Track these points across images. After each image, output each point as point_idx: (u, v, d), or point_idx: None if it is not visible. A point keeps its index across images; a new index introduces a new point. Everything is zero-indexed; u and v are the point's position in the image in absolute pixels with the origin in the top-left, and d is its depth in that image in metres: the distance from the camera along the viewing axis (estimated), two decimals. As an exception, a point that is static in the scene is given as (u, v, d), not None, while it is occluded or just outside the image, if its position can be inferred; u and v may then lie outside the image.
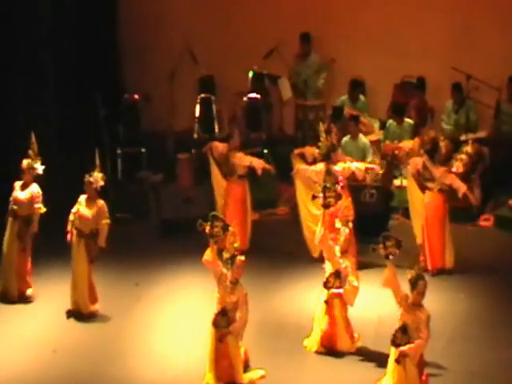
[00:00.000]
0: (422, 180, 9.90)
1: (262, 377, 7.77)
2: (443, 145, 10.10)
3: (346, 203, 8.92)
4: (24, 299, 9.36)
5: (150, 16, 13.42)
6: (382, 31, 12.83)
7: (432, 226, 9.77)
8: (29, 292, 9.41)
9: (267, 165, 10.52)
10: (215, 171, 10.59)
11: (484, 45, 12.38)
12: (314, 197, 8.65)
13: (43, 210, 9.30)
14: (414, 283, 7.14)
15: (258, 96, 12.61)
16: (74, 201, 9.12)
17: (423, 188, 9.93)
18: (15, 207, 9.28)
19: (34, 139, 9.27)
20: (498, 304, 9.12)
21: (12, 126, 11.24)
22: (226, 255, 7.64)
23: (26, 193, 9.28)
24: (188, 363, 8.03)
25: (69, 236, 9.10)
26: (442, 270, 9.76)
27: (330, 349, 8.22)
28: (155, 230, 11.11)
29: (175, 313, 9.10)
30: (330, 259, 8.20)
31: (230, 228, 7.65)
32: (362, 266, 9.51)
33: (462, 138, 11.67)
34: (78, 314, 8.99)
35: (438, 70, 12.38)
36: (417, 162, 10.00)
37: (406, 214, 10.54)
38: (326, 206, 8.44)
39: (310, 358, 8.22)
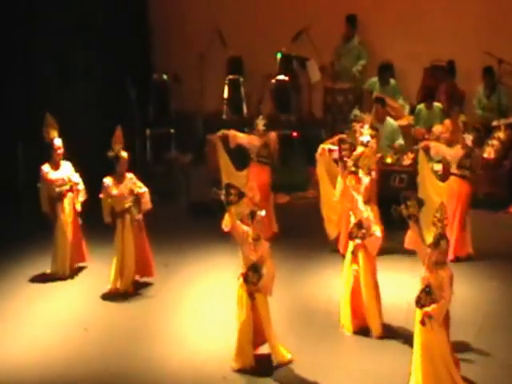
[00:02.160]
0: (459, 169, 9.51)
1: (290, 361, 7.68)
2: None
3: (366, 151, 8.77)
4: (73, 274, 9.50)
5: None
6: (412, 14, 12.64)
7: (463, 212, 9.56)
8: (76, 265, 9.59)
9: None
10: (226, 162, 10.32)
11: (517, 28, 12.16)
12: (330, 150, 8.66)
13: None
14: (436, 243, 7.04)
15: (287, 78, 12.49)
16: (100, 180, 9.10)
17: (446, 176, 9.66)
18: (58, 189, 9.31)
19: (50, 118, 9.25)
20: (531, 292, 8.99)
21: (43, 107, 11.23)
22: (246, 211, 7.58)
23: (64, 171, 9.35)
24: (218, 345, 7.97)
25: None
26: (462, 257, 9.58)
27: (361, 324, 8.15)
28: (184, 212, 11.15)
29: (204, 294, 9.09)
30: (353, 210, 8.13)
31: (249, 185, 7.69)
32: (391, 252, 9.45)
33: (494, 123, 11.46)
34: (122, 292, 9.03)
35: (469, 53, 12.19)
36: (440, 149, 9.67)
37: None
38: (341, 158, 8.52)
39: (340, 343, 8.16)
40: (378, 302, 8.17)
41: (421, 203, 7.19)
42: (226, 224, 7.58)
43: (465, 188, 9.60)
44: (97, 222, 9.21)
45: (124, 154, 9.01)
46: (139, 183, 9.14)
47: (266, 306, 7.59)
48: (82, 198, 9.48)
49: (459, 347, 7.60)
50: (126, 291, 9.05)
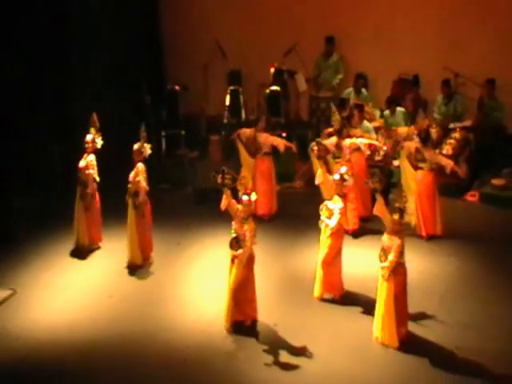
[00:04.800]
0: (415, 161, 9.73)
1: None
2: (435, 131, 9.94)
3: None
4: (95, 248, 9.50)
5: (188, 18, 13.33)
6: (384, 34, 12.69)
7: (424, 199, 9.68)
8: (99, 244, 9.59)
9: (288, 143, 10.45)
10: (243, 152, 10.53)
11: (471, 47, 12.16)
12: (311, 150, 9.10)
13: (97, 178, 9.30)
14: (395, 213, 7.39)
15: (278, 88, 12.56)
16: (124, 171, 9.03)
17: (415, 167, 9.79)
18: (79, 175, 9.34)
19: (95, 118, 9.27)
20: (483, 267, 8.96)
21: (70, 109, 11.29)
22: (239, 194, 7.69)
23: (84, 161, 9.33)
24: (220, 310, 7.90)
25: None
26: (433, 235, 9.68)
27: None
28: (191, 198, 11.13)
29: (209, 267, 9.10)
30: (329, 195, 8.28)
31: (241, 175, 7.85)
32: (366, 232, 9.64)
33: (451, 125, 11.57)
34: (132, 264, 9.04)
35: (431, 68, 12.19)
36: (410, 145, 9.85)
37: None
38: (319, 157, 9.02)
39: (320, 309, 8.16)
40: (324, 271, 8.13)
41: (382, 180, 7.62)
42: (224, 204, 7.62)
43: (425, 177, 9.67)
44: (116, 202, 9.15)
45: (138, 148, 8.93)
46: (141, 178, 8.84)
47: (238, 272, 7.61)
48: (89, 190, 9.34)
49: (424, 312, 7.76)
50: (142, 264, 8.99)
